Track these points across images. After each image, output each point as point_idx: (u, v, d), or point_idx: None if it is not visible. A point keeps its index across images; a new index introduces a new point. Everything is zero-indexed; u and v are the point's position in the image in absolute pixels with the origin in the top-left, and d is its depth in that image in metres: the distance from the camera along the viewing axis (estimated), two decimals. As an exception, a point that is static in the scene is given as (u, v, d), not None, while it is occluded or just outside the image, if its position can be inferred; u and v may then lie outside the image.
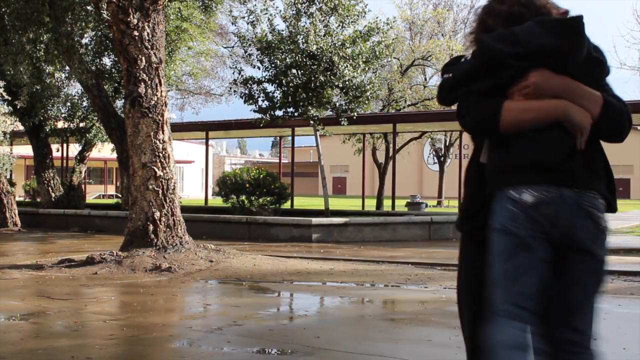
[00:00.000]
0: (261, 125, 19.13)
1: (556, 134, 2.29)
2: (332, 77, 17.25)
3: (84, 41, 18.28)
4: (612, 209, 2.41)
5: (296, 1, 17.73)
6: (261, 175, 18.60)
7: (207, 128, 26.69)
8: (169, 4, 16.42)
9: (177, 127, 25.15)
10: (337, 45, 17.34)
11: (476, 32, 2.50)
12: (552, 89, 2.29)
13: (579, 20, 2.30)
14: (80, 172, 23.64)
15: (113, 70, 19.38)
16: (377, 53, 17.78)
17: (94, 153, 25.64)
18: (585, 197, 2.28)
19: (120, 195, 27.10)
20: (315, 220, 15.77)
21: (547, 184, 2.26)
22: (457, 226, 2.67)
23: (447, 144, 39.69)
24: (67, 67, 18.44)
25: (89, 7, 15.66)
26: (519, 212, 2.26)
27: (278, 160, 32.71)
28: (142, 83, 10.55)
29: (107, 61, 19.86)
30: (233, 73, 18.86)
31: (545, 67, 2.29)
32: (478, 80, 2.37)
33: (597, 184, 2.32)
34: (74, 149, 26.68)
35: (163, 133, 10.70)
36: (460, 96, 2.44)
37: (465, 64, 2.41)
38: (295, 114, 18.27)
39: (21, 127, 21.79)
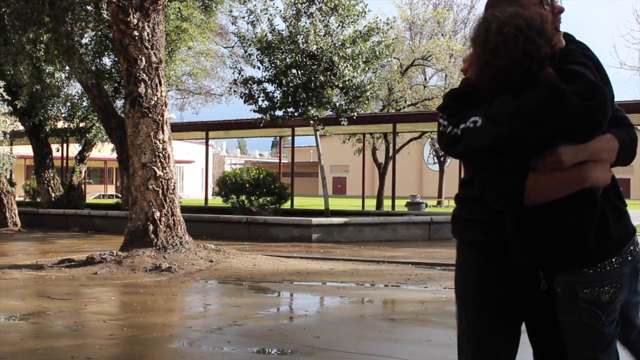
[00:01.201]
0: (261, 125, 19.14)
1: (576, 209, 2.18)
2: (332, 77, 17.25)
3: (84, 41, 18.29)
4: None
5: (296, 1, 17.73)
6: (261, 175, 18.60)
7: (207, 128, 26.69)
8: (169, 4, 16.42)
9: (177, 127, 25.15)
10: (337, 45, 17.34)
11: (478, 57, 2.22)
12: (578, 159, 2.15)
13: (605, 104, 2.08)
14: (80, 172, 23.64)
15: (113, 70, 19.38)
16: (377, 53, 17.78)
17: (94, 153, 25.64)
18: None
19: (120, 195, 27.11)
20: (315, 220, 15.77)
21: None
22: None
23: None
24: (67, 67, 18.45)
25: (89, 7, 15.67)
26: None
27: (278, 160, 32.72)
28: (142, 83, 10.55)
29: (107, 61, 19.89)
30: (233, 73, 18.89)
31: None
32: (492, 156, 2.16)
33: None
34: (74, 149, 26.69)
35: (163, 133, 10.70)
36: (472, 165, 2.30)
37: (479, 135, 2.14)
38: (295, 114, 18.27)
39: (21, 127, 21.78)
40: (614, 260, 2.19)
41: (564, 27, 2.35)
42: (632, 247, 2.24)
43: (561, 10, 2.31)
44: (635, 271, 2.26)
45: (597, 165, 2.17)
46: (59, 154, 26.08)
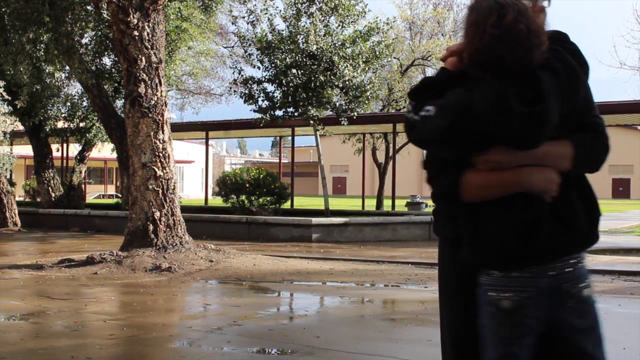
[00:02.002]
0: (261, 125, 19.13)
1: (519, 203, 2.14)
2: (332, 77, 17.25)
3: (84, 41, 18.28)
4: (591, 241, 2.23)
5: (296, 1, 17.73)
6: (261, 175, 18.60)
7: (207, 128, 26.68)
8: (169, 3, 16.42)
9: (177, 127, 25.15)
10: (337, 45, 17.34)
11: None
12: (518, 163, 2.12)
13: (540, 113, 2.04)
14: (80, 172, 23.64)
15: (113, 70, 19.37)
16: (377, 53, 17.78)
17: (94, 153, 25.63)
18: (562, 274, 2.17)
19: (120, 195, 27.10)
20: (315, 220, 15.76)
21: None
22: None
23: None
24: (67, 67, 18.44)
25: (89, 7, 15.66)
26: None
27: (278, 160, 32.71)
28: (142, 83, 10.55)
29: (107, 61, 19.87)
30: (233, 73, 18.88)
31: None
32: (438, 148, 2.23)
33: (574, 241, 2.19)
34: (74, 149, 26.68)
35: (163, 133, 10.70)
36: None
37: (428, 125, 2.16)
38: (295, 114, 18.26)
39: (21, 127, 21.78)
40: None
41: (564, 27, 2.36)
42: (562, 264, 2.16)
43: (542, 9, 2.25)
44: (558, 291, 2.15)
45: (539, 170, 2.12)
46: (59, 154, 26.08)
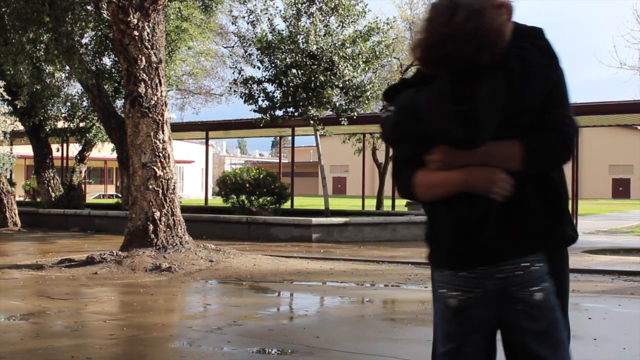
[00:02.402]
0: (261, 125, 19.13)
1: (466, 201, 2.13)
2: (332, 77, 17.25)
3: (84, 41, 18.28)
4: (552, 242, 2.19)
5: (296, 1, 17.73)
6: (261, 175, 18.60)
7: (207, 128, 26.68)
8: (169, 3, 16.42)
9: (177, 127, 25.14)
10: (337, 45, 17.34)
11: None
12: (460, 163, 2.11)
13: (473, 111, 2.02)
14: (80, 172, 23.64)
15: (113, 70, 19.38)
16: (377, 53, 17.78)
17: (94, 153, 25.63)
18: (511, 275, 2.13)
19: (120, 195, 27.10)
20: (315, 220, 15.77)
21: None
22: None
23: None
24: (67, 67, 18.45)
25: (89, 7, 15.66)
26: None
27: (278, 160, 32.71)
28: (142, 83, 10.55)
29: (107, 61, 19.87)
30: (233, 73, 18.87)
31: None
32: (396, 146, 2.29)
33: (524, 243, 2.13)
34: (74, 149, 26.68)
35: (163, 133, 10.70)
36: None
37: (386, 124, 2.21)
38: (295, 114, 18.26)
39: (21, 127, 21.78)
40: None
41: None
42: (512, 267, 2.12)
43: (503, 6, 2.17)
44: (506, 294, 2.12)
45: (481, 170, 2.11)
46: (59, 154, 26.08)
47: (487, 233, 2.11)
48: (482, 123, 2.03)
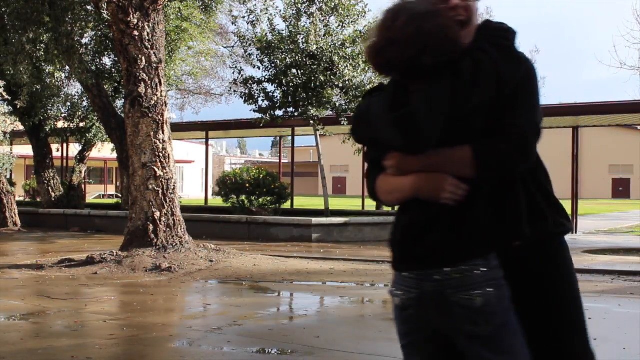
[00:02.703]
0: (261, 125, 19.13)
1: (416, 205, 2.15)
2: (332, 77, 17.25)
3: (84, 41, 18.28)
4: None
5: (296, 1, 17.73)
6: (261, 175, 18.60)
7: (207, 128, 26.67)
8: (169, 3, 16.42)
9: (177, 127, 25.12)
10: (337, 45, 17.34)
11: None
12: (412, 169, 2.12)
13: (408, 116, 2.03)
14: (80, 172, 23.64)
15: (113, 70, 19.38)
16: (377, 53, 17.76)
17: (94, 153, 25.63)
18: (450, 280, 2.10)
19: (120, 195, 27.09)
20: (315, 220, 15.77)
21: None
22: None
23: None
24: (67, 67, 18.44)
25: (89, 7, 15.66)
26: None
27: (278, 160, 32.69)
28: (142, 83, 10.55)
29: (107, 61, 19.87)
30: (233, 73, 18.87)
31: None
32: (367, 149, 2.38)
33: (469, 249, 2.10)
34: (74, 149, 26.67)
35: (163, 133, 10.70)
36: None
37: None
38: (295, 114, 18.26)
39: (21, 127, 21.78)
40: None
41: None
42: (451, 270, 2.09)
43: (453, 7, 2.18)
44: (443, 297, 2.10)
45: (427, 177, 2.11)
46: (59, 154, 26.07)
47: (431, 237, 2.11)
48: (420, 128, 2.02)
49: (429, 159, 2.09)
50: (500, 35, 2.19)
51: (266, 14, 17.99)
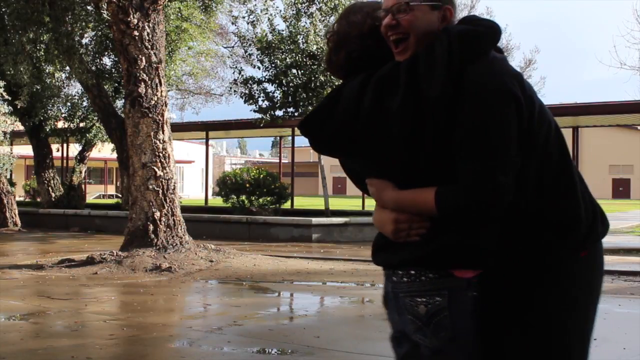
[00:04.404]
0: (261, 125, 19.14)
1: None
2: (332, 77, 17.25)
3: (84, 41, 18.30)
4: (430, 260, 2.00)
5: (296, 1, 17.73)
6: (261, 175, 18.60)
7: (207, 128, 26.68)
8: (169, 4, 16.42)
9: (177, 127, 25.14)
10: (337, 45, 17.34)
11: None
12: (381, 204, 2.09)
13: (301, 124, 2.13)
14: (80, 172, 23.64)
15: (113, 70, 19.38)
16: (377, 53, 17.77)
17: (94, 153, 25.63)
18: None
19: (120, 195, 27.09)
20: (315, 220, 15.76)
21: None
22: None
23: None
24: (67, 67, 18.44)
25: (89, 7, 15.67)
26: None
27: (278, 160, 32.69)
28: (142, 83, 10.55)
29: (107, 61, 19.88)
30: (233, 73, 18.89)
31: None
32: None
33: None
34: (74, 149, 26.68)
35: (163, 133, 10.70)
36: None
37: None
38: (296, 114, 18.26)
39: (21, 127, 21.79)
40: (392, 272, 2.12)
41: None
42: (403, 273, 2.05)
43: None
44: (396, 299, 2.08)
45: (378, 211, 2.09)
46: (59, 154, 26.08)
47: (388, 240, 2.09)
48: (308, 127, 2.14)
49: (399, 196, 2.01)
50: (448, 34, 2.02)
51: (266, 14, 18.00)
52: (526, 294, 2.03)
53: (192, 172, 57.80)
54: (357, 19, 2.13)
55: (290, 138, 28.95)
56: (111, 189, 50.64)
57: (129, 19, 10.34)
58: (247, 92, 18.47)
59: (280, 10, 18.13)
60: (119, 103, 19.39)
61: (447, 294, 1.98)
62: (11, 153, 19.57)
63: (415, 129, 1.94)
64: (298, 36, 17.62)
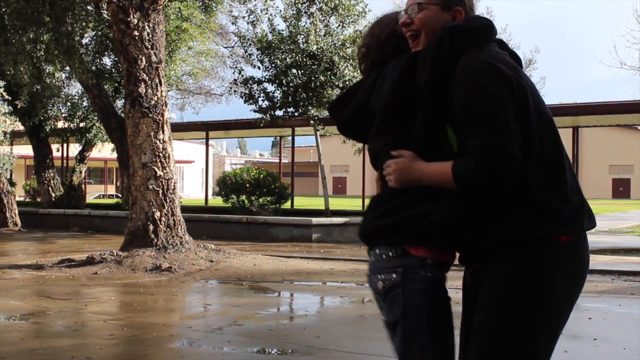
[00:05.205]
0: (261, 125, 19.14)
1: None
2: (332, 77, 17.26)
3: (84, 41, 18.29)
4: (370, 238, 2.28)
5: (296, 1, 17.73)
6: (261, 175, 18.60)
7: (207, 128, 26.67)
8: (169, 4, 16.42)
9: (177, 127, 25.13)
10: (337, 45, 17.35)
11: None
12: (414, 174, 2.22)
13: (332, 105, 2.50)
14: (80, 172, 23.64)
15: (113, 70, 19.37)
16: (377, 53, 17.76)
17: (94, 153, 25.62)
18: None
19: (120, 195, 27.09)
20: (315, 220, 15.76)
21: None
22: None
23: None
24: (68, 67, 18.45)
25: (89, 7, 15.67)
26: None
27: (278, 160, 32.69)
28: (142, 83, 10.55)
29: (107, 61, 19.87)
30: (233, 73, 18.89)
31: None
32: None
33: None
34: (74, 149, 26.67)
35: (163, 133, 10.70)
36: None
37: None
38: (296, 114, 18.27)
39: (21, 127, 21.78)
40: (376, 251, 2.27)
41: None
42: (371, 252, 2.26)
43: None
44: (369, 276, 2.32)
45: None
46: (59, 154, 26.07)
47: (366, 217, 2.30)
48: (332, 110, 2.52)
49: (425, 168, 2.15)
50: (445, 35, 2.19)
51: (266, 14, 18.01)
52: (497, 268, 2.11)
53: (192, 172, 57.79)
54: (376, 31, 2.49)
55: (290, 138, 28.94)
56: (111, 189, 50.62)
57: (129, 19, 10.34)
58: (247, 92, 18.48)
59: (281, 10, 18.14)
60: (119, 103, 19.39)
61: (401, 271, 2.17)
62: (11, 153, 19.58)
63: (405, 109, 2.21)
64: (298, 36, 17.62)
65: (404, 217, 2.16)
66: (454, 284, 2.55)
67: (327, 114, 18.57)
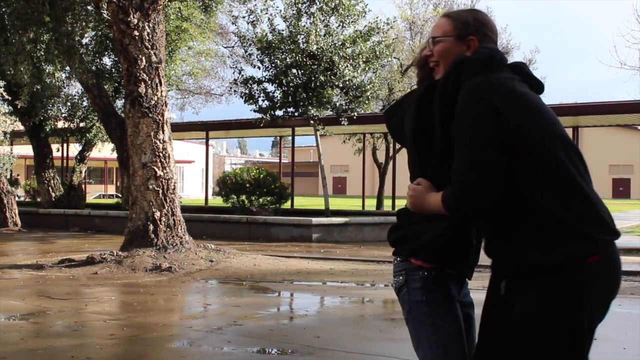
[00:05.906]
0: (261, 125, 19.13)
1: None
2: (332, 77, 17.25)
3: (84, 41, 18.28)
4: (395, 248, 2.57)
5: (296, 1, 17.73)
6: (261, 175, 18.60)
7: (207, 128, 26.68)
8: (169, 3, 16.42)
9: (177, 127, 25.14)
10: (337, 45, 17.34)
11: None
12: (426, 204, 2.41)
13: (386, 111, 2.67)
14: (81, 172, 23.63)
15: (113, 70, 19.37)
16: (377, 53, 17.78)
17: (94, 153, 25.62)
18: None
19: (120, 195, 27.09)
20: (315, 220, 15.76)
21: None
22: None
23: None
24: (68, 67, 18.44)
25: (89, 7, 15.66)
26: None
27: (278, 160, 32.70)
28: (142, 83, 10.55)
29: (107, 61, 19.86)
30: (233, 73, 18.90)
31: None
32: None
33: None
34: (74, 149, 26.67)
35: (163, 133, 10.70)
36: None
37: None
38: (296, 114, 18.27)
39: (21, 127, 21.78)
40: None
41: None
42: (394, 259, 2.55)
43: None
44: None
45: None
46: (59, 154, 26.07)
47: (395, 232, 2.55)
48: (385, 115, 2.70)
49: (431, 198, 2.33)
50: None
51: (266, 14, 18.00)
52: (532, 290, 2.20)
53: (192, 172, 57.80)
54: (417, 57, 2.66)
55: (290, 138, 28.95)
56: (111, 189, 50.64)
57: (129, 19, 10.34)
58: (247, 92, 18.48)
59: (281, 10, 18.14)
60: (119, 103, 19.38)
61: (405, 274, 2.48)
62: (11, 153, 19.57)
63: (426, 136, 2.39)
64: (298, 36, 17.62)
65: (405, 233, 2.48)
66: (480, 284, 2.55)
67: (327, 113, 18.69)
